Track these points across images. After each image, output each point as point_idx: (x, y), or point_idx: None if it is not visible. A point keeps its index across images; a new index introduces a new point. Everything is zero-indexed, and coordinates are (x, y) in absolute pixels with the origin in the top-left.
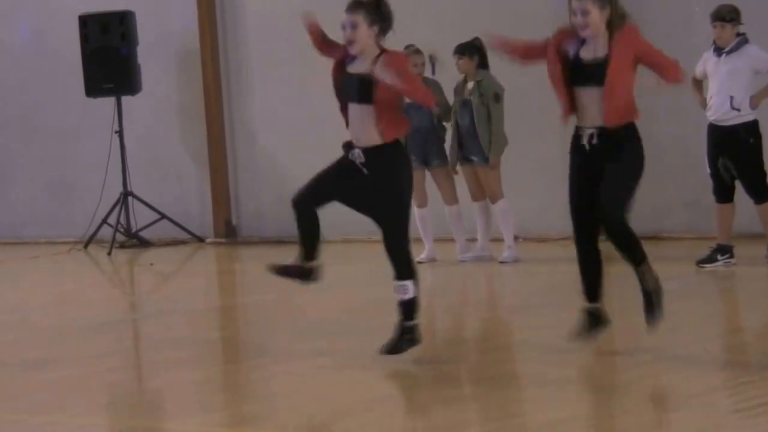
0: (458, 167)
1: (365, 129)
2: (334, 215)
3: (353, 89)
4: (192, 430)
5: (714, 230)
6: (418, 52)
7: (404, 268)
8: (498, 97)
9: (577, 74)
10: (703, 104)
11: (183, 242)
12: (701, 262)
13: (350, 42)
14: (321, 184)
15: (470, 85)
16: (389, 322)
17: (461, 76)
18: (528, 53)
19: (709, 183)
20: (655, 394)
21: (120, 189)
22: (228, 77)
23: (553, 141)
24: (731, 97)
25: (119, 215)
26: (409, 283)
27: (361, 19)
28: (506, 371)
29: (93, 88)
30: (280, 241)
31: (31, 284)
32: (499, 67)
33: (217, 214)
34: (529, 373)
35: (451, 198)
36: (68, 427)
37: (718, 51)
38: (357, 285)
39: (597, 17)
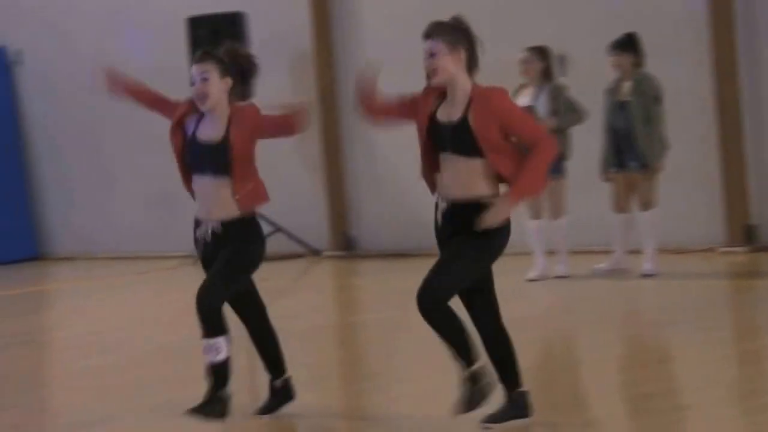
0: (610, 174)
1: (220, 202)
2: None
3: (205, 160)
4: None
5: None
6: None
7: (216, 324)
8: (658, 99)
9: (435, 137)
10: None
11: (299, 256)
12: None
13: (201, 97)
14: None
15: (627, 85)
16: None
17: (614, 76)
18: (389, 112)
19: None
20: None
21: None
22: (343, 81)
23: (690, 147)
24: None
25: None
26: (221, 340)
27: (212, 69)
28: (657, 390)
29: None
30: (400, 254)
31: (140, 301)
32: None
33: (334, 226)
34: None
35: (560, 211)
36: None
37: None
38: None
39: (448, 62)
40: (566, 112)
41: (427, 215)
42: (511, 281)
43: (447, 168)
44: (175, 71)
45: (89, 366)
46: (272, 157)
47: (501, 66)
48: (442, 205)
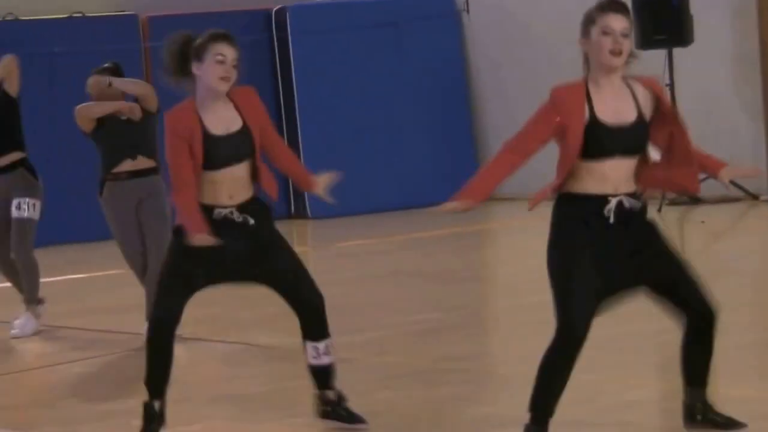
0: None
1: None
2: None
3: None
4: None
5: None
6: None
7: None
8: None
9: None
10: None
11: (736, 200)
12: None
13: (228, 78)
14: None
15: None
16: None
17: None
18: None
19: None
20: None
21: None
22: None
23: None
24: None
25: None
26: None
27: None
28: None
29: (644, 41)
30: None
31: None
32: None
33: None
34: None
35: None
36: None
37: None
38: None
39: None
40: None
41: None
42: None
43: (603, 170)
44: None
45: (525, 304)
46: (712, 103)
47: None
48: (612, 202)
